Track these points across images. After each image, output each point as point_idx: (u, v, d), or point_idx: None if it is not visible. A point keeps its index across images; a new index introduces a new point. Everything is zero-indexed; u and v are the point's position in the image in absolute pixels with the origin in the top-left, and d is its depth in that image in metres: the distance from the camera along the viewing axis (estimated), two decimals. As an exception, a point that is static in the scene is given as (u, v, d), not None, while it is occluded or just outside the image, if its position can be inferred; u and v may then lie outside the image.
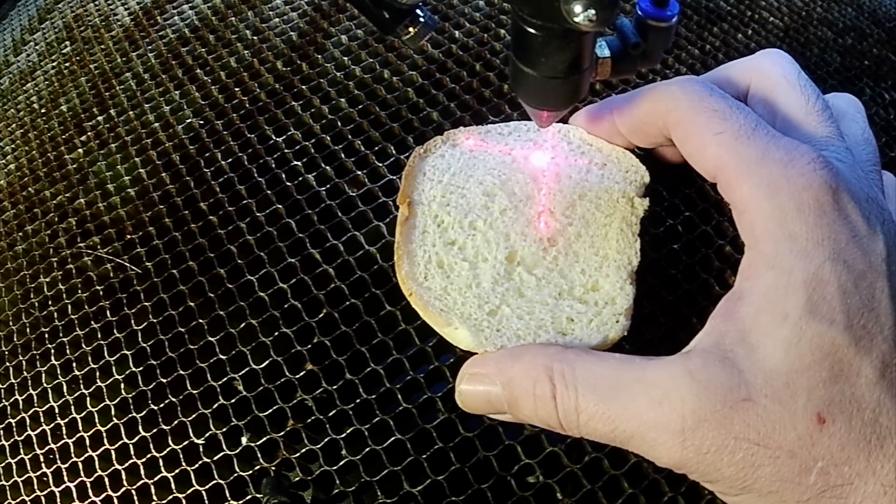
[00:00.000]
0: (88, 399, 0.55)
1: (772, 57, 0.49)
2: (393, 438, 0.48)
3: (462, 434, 0.48)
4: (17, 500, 0.54)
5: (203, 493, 0.49)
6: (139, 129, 0.70)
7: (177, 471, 0.50)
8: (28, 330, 0.61)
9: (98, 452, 0.53)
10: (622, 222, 0.54)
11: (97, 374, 0.56)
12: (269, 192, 0.61)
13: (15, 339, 0.61)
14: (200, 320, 0.55)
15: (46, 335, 0.60)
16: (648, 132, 0.51)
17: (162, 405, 0.53)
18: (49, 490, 0.53)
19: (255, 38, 0.75)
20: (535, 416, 0.42)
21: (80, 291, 0.61)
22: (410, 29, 0.48)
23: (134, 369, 0.55)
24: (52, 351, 0.59)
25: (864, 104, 0.72)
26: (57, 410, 0.56)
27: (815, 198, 0.39)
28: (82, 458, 0.53)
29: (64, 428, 0.55)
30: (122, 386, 0.55)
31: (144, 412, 0.53)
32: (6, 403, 0.58)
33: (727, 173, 0.43)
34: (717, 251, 0.57)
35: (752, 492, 0.37)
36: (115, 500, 0.51)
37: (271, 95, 0.69)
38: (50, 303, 0.61)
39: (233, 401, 0.52)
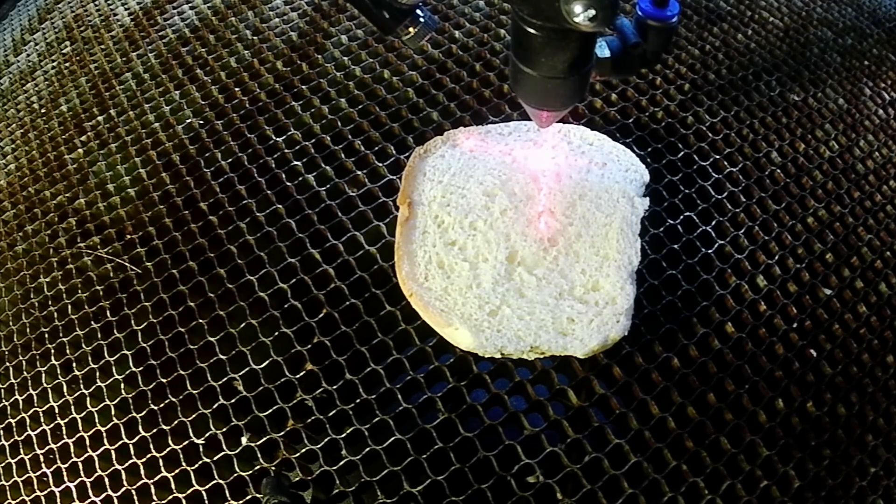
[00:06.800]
0: (88, 399, 0.55)
1: None
2: (393, 438, 0.48)
3: (462, 434, 0.48)
4: (17, 500, 0.54)
5: (203, 493, 0.49)
6: (139, 129, 0.70)
7: (177, 471, 0.50)
8: (28, 330, 0.61)
9: (98, 452, 0.53)
10: (623, 222, 0.54)
11: (97, 374, 0.56)
12: (269, 192, 0.61)
13: (15, 339, 0.61)
14: (200, 320, 0.56)
15: (46, 335, 0.60)
16: None
17: (162, 405, 0.53)
18: (49, 490, 0.53)
19: (255, 38, 0.75)
20: None
21: (80, 291, 0.61)
22: (410, 29, 0.48)
23: (134, 369, 0.55)
24: (52, 351, 0.59)
25: (863, 104, 0.73)
26: (57, 410, 0.56)
27: None
28: (82, 458, 0.53)
29: (64, 428, 0.55)
30: (122, 386, 0.55)
31: (144, 412, 0.53)
32: (6, 403, 0.58)
33: None
34: (717, 251, 0.57)
35: None
36: (115, 500, 0.51)
37: (271, 95, 0.69)
38: (50, 303, 0.61)
39: (233, 401, 0.52)
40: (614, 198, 0.56)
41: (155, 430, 0.52)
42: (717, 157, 0.63)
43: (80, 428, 0.54)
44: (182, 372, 0.53)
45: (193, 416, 0.52)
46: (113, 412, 0.54)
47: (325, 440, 0.49)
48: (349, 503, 0.48)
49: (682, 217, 0.58)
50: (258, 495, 0.48)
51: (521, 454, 0.47)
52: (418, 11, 0.48)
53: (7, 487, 0.55)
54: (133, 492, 0.51)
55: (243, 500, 0.48)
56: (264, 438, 0.50)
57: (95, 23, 0.86)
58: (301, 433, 0.50)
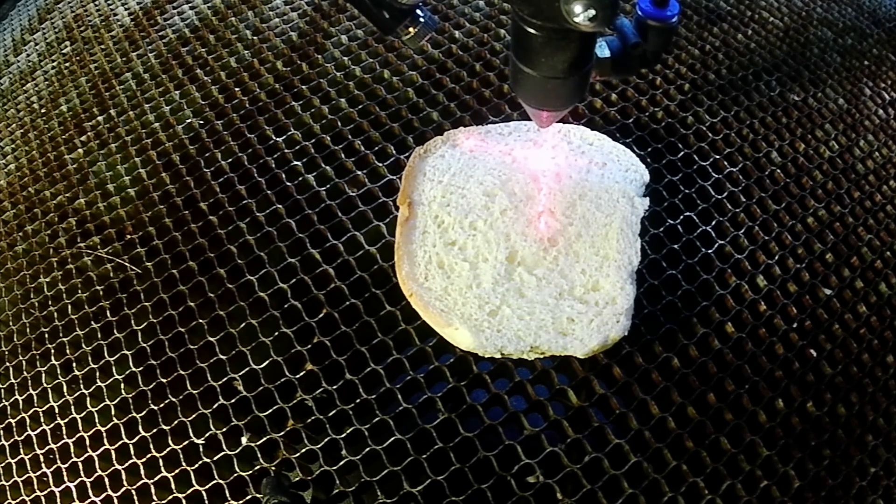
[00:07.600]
0: (88, 399, 0.55)
1: None
2: (393, 438, 0.48)
3: (462, 434, 0.48)
4: (17, 500, 0.54)
5: (203, 493, 0.49)
6: (139, 129, 0.70)
7: (177, 471, 0.50)
8: (28, 330, 0.61)
9: (98, 452, 0.53)
10: (622, 222, 0.54)
11: (97, 374, 0.56)
12: (269, 192, 0.61)
13: (15, 339, 0.61)
14: (200, 320, 0.56)
15: (46, 335, 0.60)
16: None
17: (162, 405, 0.53)
18: (49, 490, 0.53)
19: (255, 38, 0.75)
20: None
21: (80, 291, 0.61)
22: (410, 29, 0.48)
23: (134, 369, 0.55)
24: (52, 351, 0.59)
25: (863, 104, 0.73)
26: (57, 410, 0.56)
27: None
28: (82, 458, 0.53)
29: (64, 428, 0.55)
30: (122, 386, 0.55)
31: (144, 412, 0.53)
32: (6, 403, 0.58)
33: None
34: (717, 251, 0.57)
35: None
36: (115, 500, 0.51)
37: (271, 95, 0.69)
38: (50, 303, 0.61)
39: (233, 401, 0.52)
40: (614, 198, 0.56)
41: (155, 430, 0.52)
42: (717, 157, 0.63)
43: (80, 428, 0.54)
44: (182, 372, 0.53)
45: (193, 416, 0.52)
46: (113, 412, 0.54)
47: (325, 440, 0.49)
48: (349, 503, 0.48)
49: (682, 217, 0.58)
50: (258, 495, 0.48)
51: (521, 454, 0.47)
52: (418, 11, 0.48)
53: (7, 487, 0.55)
54: (133, 492, 0.50)
55: (243, 500, 0.48)
56: (264, 438, 0.50)
57: (95, 23, 0.86)
58: (301, 433, 0.50)
